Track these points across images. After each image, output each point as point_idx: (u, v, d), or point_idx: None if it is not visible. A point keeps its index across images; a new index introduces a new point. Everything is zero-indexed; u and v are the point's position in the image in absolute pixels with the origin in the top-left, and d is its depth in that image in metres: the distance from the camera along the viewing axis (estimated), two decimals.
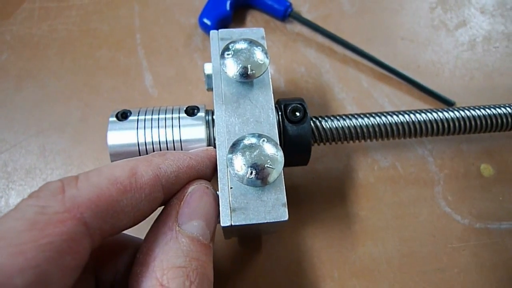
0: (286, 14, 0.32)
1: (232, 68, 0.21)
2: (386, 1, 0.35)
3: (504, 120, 0.26)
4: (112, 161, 0.22)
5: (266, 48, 0.23)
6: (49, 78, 0.31)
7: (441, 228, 0.26)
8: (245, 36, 0.23)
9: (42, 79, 0.31)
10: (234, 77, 0.21)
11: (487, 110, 0.26)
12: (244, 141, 0.19)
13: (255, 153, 0.19)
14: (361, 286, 0.25)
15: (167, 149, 0.22)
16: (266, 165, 0.19)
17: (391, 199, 0.27)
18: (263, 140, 0.19)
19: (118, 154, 0.22)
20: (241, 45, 0.22)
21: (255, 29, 0.24)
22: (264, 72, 0.22)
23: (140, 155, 0.22)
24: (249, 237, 0.26)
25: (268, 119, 0.21)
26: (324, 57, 0.32)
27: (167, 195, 0.18)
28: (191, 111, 0.23)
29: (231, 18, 0.32)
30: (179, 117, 0.22)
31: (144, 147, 0.22)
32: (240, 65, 0.21)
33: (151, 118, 0.22)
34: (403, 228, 0.26)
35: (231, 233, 0.23)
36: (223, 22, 0.32)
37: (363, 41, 0.33)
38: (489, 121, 0.26)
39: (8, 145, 0.29)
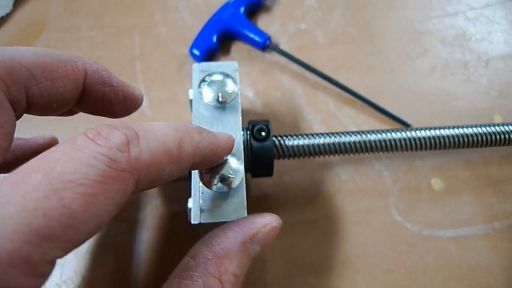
0: (265, 46, 0.37)
1: (207, 95, 0.26)
2: (355, 34, 0.40)
3: (452, 139, 0.30)
4: None
5: (237, 79, 0.28)
6: None
7: (392, 234, 0.30)
8: (221, 69, 0.28)
9: None
10: (209, 103, 0.26)
11: (436, 131, 0.30)
12: None
13: (219, 166, 0.23)
14: (317, 283, 0.29)
15: None
16: (228, 175, 0.23)
17: (348, 208, 0.31)
18: (228, 155, 0.24)
19: None
20: (215, 77, 0.26)
21: (230, 62, 0.29)
22: (233, 100, 0.26)
23: None
24: None
25: (236, 138, 0.26)
26: (297, 83, 0.37)
27: (191, 168, 0.19)
28: None
29: (217, 49, 0.38)
30: None
31: None
32: (213, 94, 0.26)
33: None
34: (358, 233, 0.30)
35: (203, 231, 0.27)
36: (211, 52, 0.37)
37: (332, 69, 0.37)
38: (438, 141, 0.30)
39: None
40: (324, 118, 0.35)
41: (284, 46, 0.39)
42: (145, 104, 0.36)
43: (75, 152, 0.13)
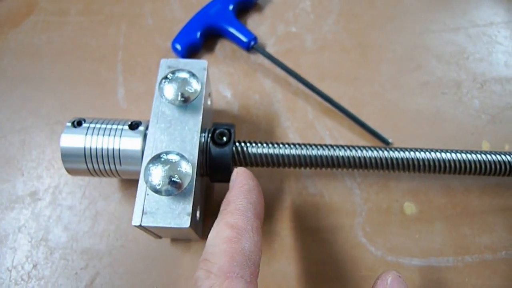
0: (250, 46, 0.36)
1: (168, 92, 0.25)
2: (346, 42, 0.38)
3: (431, 164, 0.28)
4: (62, 160, 0.26)
5: (203, 78, 0.27)
6: (39, 83, 0.36)
7: (354, 257, 0.29)
8: (189, 66, 0.27)
9: (34, 84, 0.36)
10: (169, 100, 0.25)
11: (414, 153, 0.28)
12: (162, 156, 0.23)
13: (166, 167, 0.22)
14: None
15: (107, 156, 0.26)
16: (173, 179, 0.22)
17: (312, 224, 0.30)
18: (178, 157, 0.23)
19: (68, 154, 0.26)
20: (179, 75, 0.25)
21: (199, 60, 0.28)
22: (195, 99, 0.25)
23: (85, 157, 0.26)
24: (179, 239, 0.29)
25: (192, 140, 0.25)
26: (278, 88, 0.35)
27: None
28: (134, 125, 0.27)
29: (201, 46, 0.37)
30: (122, 129, 0.26)
31: (89, 151, 0.26)
32: (175, 91, 0.25)
33: (100, 127, 0.26)
34: (318, 252, 0.29)
35: (155, 235, 0.26)
36: (193, 48, 0.36)
37: (317, 76, 0.36)
38: (415, 163, 0.28)
39: None
40: (300, 127, 0.34)
41: (270, 48, 0.37)
42: (120, 95, 0.35)
43: None
